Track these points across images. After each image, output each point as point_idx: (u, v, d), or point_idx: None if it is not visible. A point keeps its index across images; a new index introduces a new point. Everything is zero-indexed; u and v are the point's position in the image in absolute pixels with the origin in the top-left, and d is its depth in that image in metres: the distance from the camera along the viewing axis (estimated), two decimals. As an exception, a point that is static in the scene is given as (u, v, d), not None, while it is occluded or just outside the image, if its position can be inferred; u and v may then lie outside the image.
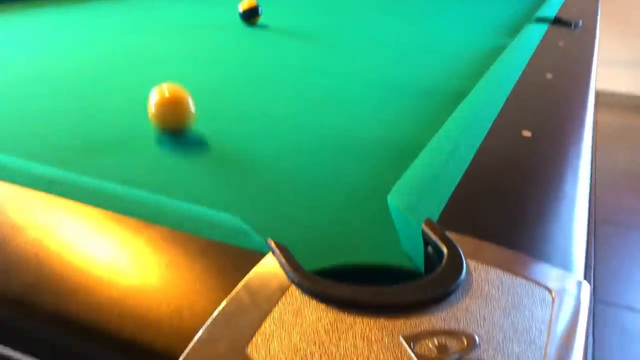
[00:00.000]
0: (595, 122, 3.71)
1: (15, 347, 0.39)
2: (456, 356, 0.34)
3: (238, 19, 1.77)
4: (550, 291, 0.41)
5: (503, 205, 0.54)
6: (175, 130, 0.82)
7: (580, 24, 1.57)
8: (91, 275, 0.41)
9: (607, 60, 4.29)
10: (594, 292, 2.05)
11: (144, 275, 0.41)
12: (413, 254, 0.51)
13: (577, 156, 0.68)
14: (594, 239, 2.40)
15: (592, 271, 2.17)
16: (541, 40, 1.33)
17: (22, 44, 1.38)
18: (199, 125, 0.87)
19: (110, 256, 0.43)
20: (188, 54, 1.34)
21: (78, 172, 0.67)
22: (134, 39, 1.48)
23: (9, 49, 1.32)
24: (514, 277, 0.42)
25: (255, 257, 0.43)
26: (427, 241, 0.47)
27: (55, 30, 1.55)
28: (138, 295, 0.39)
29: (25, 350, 0.38)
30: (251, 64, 1.26)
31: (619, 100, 4.31)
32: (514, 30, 1.79)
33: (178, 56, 1.31)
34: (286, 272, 0.41)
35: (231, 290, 0.39)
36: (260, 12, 1.69)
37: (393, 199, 0.56)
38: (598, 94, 4.33)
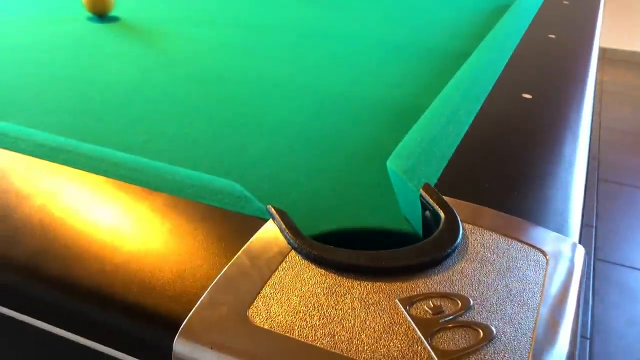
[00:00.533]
0: (600, 81, 3.67)
1: (22, 311, 0.40)
2: (450, 318, 0.35)
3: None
4: (544, 254, 0.42)
5: (501, 169, 0.54)
6: (100, 13, 1.25)
7: (586, -19, 1.54)
8: (95, 241, 0.42)
9: (615, 17, 4.22)
10: (595, 251, 2.07)
11: (147, 241, 0.42)
12: (412, 218, 0.52)
13: (577, 119, 0.69)
14: (597, 197, 2.40)
15: (593, 230, 2.19)
16: (545, -1, 1.31)
17: (19, 10, 1.36)
18: (197, 89, 0.87)
19: (114, 222, 0.44)
20: (187, 18, 1.32)
21: (79, 138, 0.67)
22: (131, 2, 1.47)
23: (6, 15, 1.30)
24: (509, 240, 0.43)
25: (256, 223, 0.44)
26: (424, 206, 0.48)
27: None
28: (142, 261, 0.40)
29: (33, 314, 0.40)
30: (251, 26, 1.25)
31: (626, 58, 4.25)
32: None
33: (177, 19, 1.30)
34: (286, 238, 0.41)
35: (232, 256, 0.40)
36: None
37: (392, 164, 0.57)
38: (604, 52, 4.27)
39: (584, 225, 2.21)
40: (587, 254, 2.03)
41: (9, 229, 0.44)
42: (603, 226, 2.22)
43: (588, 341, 1.64)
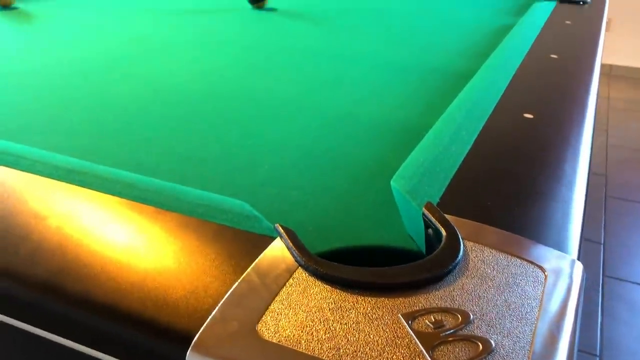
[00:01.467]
0: (607, 98, 3.68)
1: (42, 326, 0.42)
2: (451, 332, 0.36)
3: (246, 3, 1.78)
4: (543, 270, 0.43)
5: (502, 187, 0.56)
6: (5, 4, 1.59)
7: (589, 0, 1.57)
8: (111, 261, 0.44)
9: (621, 34, 4.24)
10: (604, 267, 2.06)
11: (161, 259, 0.44)
12: (415, 236, 0.54)
13: (578, 138, 0.70)
14: (605, 214, 2.40)
15: (602, 246, 2.18)
16: (548, 19, 1.33)
17: (30, 34, 1.40)
18: (205, 109, 0.89)
19: (129, 242, 0.46)
20: (196, 39, 1.36)
21: (93, 159, 0.69)
22: (140, 25, 1.50)
23: (19, 40, 1.34)
24: (509, 257, 0.44)
25: (264, 241, 0.46)
26: (427, 224, 0.49)
27: (61, 20, 1.58)
28: (156, 279, 0.42)
29: (52, 330, 0.42)
30: (258, 47, 1.28)
31: (632, 75, 4.27)
32: (523, 6, 1.79)
33: (186, 41, 1.33)
34: (293, 255, 0.43)
35: (242, 273, 0.42)
36: (267, -6, 1.70)
37: (396, 183, 0.59)
38: (610, 68, 4.29)
39: (593, 242, 2.21)
40: (596, 270, 2.03)
41: (29, 249, 0.46)
42: (611, 243, 2.22)
43: (598, 358, 1.64)
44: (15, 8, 1.65)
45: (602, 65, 4.38)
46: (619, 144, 3.05)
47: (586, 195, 0.61)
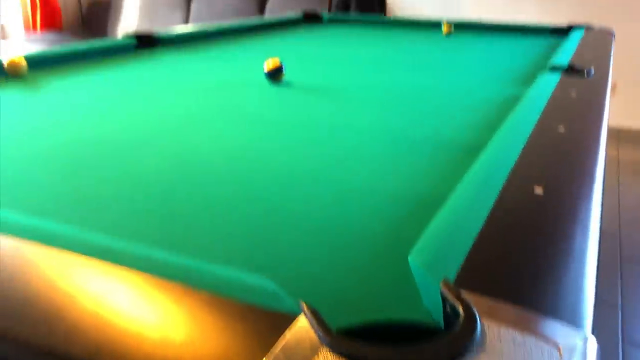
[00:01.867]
0: (617, 161, 3.71)
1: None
2: (471, 411, 0.38)
3: (263, 77, 1.86)
4: (558, 347, 0.45)
5: (515, 263, 0.58)
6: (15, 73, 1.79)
7: (593, 71, 1.62)
8: (143, 340, 0.46)
9: (628, 96, 4.31)
10: (623, 332, 2.03)
11: (190, 338, 0.46)
12: (433, 310, 0.56)
13: (587, 211, 0.73)
14: (620, 278, 2.38)
15: (619, 310, 2.16)
16: (554, 91, 1.38)
17: (49, 107, 1.47)
18: (228, 185, 0.93)
19: (159, 321, 0.48)
20: (217, 114, 1.41)
21: (123, 235, 0.73)
22: (161, 100, 1.57)
23: (39, 113, 1.41)
24: (524, 334, 0.46)
25: (288, 319, 0.48)
26: (445, 301, 0.51)
27: (77, 92, 1.65)
28: (186, 358, 0.44)
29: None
30: (276, 122, 1.33)
31: (641, 136, 4.30)
32: (529, 77, 1.85)
33: (207, 117, 1.39)
34: (317, 334, 0.45)
35: (268, 351, 0.44)
36: (283, 70, 1.78)
37: (413, 259, 0.61)
38: (619, 132, 4.34)
39: (610, 305, 2.18)
40: (614, 336, 1.99)
41: (64, 328, 0.48)
42: (629, 306, 2.19)
43: None
44: (24, 77, 1.79)
45: (610, 129, 4.43)
46: (631, 205, 3.05)
47: (598, 268, 0.63)
